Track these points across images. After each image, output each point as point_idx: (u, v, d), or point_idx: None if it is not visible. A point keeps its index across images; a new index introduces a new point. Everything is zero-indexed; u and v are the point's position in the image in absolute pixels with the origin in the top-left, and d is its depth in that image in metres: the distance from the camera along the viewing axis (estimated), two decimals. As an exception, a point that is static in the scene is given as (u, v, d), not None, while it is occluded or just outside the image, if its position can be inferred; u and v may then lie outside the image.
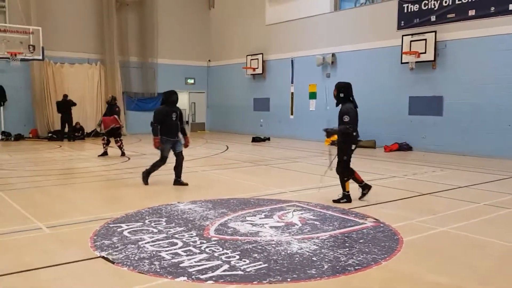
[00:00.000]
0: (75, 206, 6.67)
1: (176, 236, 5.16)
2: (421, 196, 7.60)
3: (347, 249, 4.77)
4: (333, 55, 17.29)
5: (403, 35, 14.78)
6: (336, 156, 6.92)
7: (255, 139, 17.89)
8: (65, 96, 18.26)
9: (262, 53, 20.36)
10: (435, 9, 14.05)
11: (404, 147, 14.86)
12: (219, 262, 4.31)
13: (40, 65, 18.80)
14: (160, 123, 8.10)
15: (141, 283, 3.83)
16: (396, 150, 14.68)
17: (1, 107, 18.27)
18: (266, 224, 5.72)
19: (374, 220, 5.93)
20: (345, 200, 6.91)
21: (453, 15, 13.65)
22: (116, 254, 4.52)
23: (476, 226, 5.77)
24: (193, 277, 3.95)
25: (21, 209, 6.36)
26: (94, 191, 8.00)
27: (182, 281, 3.88)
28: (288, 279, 3.92)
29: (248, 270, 4.12)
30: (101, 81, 20.75)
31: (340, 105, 6.87)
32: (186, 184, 8.26)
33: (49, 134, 18.66)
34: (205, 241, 4.96)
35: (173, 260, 4.34)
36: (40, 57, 15.98)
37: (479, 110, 13.22)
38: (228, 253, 4.56)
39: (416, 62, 14.45)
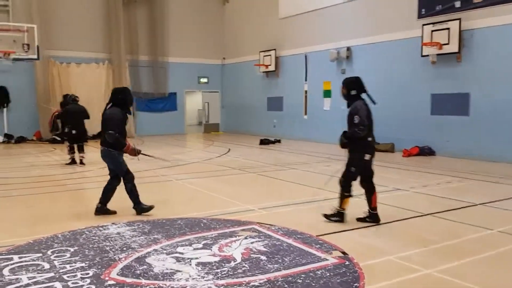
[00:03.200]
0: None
1: (65, 276, 3.95)
2: (420, 217, 6.08)
3: (276, 305, 3.41)
4: (348, 49, 15.71)
5: (423, 25, 13.07)
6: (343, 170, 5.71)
7: (263, 141, 16.55)
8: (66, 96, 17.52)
9: (275, 49, 18.97)
10: (460, -7, 12.29)
11: (426, 151, 13.14)
12: (80, 326, 3.07)
13: (44, 66, 18.17)
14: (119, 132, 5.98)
15: None
16: (416, 155, 13.00)
17: (4, 109, 17.75)
18: (196, 258, 4.43)
19: (341, 255, 4.52)
20: (337, 218, 5.70)
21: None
22: (-45, 308, 3.36)
23: (478, 267, 4.27)
24: None
25: None
26: (27, 206, 6.83)
27: None
28: None
29: None
30: (109, 82, 19.94)
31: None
32: (115, 212, 6.22)
33: (53, 137, 17.98)
34: (93, 286, 3.73)
35: (20, 322, 3.13)
36: (35, 56, 15.24)
37: (511, 108, 11.40)
38: (106, 310, 3.30)
39: (438, 54, 12.71)
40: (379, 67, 14.61)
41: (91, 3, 19.45)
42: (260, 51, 19.72)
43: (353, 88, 5.60)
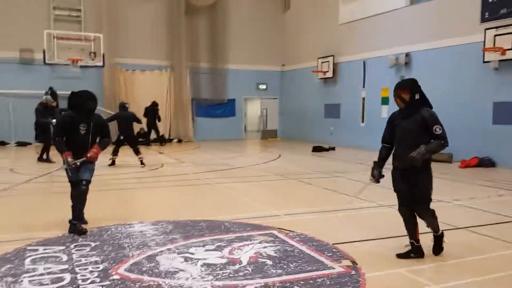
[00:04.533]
0: (20, 220, 6.07)
1: (77, 269, 4.22)
2: (450, 230, 5.75)
3: (263, 310, 3.42)
4: (407, 55, 15.19)
5: (486, 29, 12.36)
6: (419, 190, 4.61)
7: (316, 149, 16.38)
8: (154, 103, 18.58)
9: (333, 55, 18.78)
10: (526, -5, 11.50)
11: (486, 163, 12.36)
12: (72, 315, 3.28)
13: (112, 72, 19.27)
14: (63, 136, 5.51)
15: None
16: (474, 166, 12.28)
17: (75, 113, 18.97)
18: (204, 259, 4.53)
19: (349, 265, 4.42)
20: (442, 245, 4.80)
21: (548, 0, 11.03)
22: (-29, 291, 3.71)
23: (491, 286, 3.98)
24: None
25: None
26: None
27: None
28: None
29: (90, 333, 3.02)
30: (170, 88, 20.77)
31: (412, 113, 4.60)
32: (85, 232, 5.42)
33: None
34: (98, 280, 3.96)
35: (21, 306, 3.40)
36: (101, 64, 16.24)
37: None
38: (100, 302, 3.50)
39: (501, 60, 11.95)
40: (438, 74, 14.00)
41: (155, 13, 20.35)
42: (319, 58, 19.61)
43: (417, 92, 4.60)
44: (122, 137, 11.77)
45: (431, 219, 4.73)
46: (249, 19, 21.94)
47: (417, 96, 4.61)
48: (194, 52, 21.02)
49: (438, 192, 8.14)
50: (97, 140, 5.72)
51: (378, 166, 4.89)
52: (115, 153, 11.74)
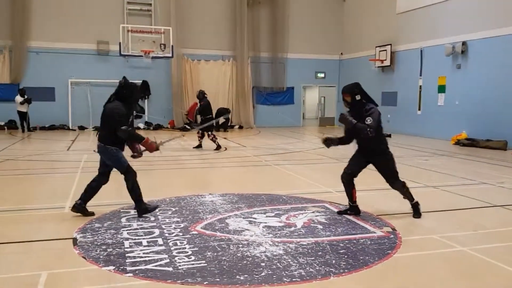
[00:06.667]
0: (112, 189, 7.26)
1: (163, 226, 5.26)
2: (488, 208, 6.31)
3: (312, 258, 4.26)
4: (464, 43, 15.24)
5: (546, 16, 12.31)
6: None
7: (372, 136, 16.82)
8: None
9: (390, 44, 19.02)
10: None
11: (542, 150, 12.41)
12: (164, 256, 4.28)
13: (179, 62, 20.63)
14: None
15: (66, 267, 4.03)
16: (530, 153, 12.36)
17: (146, 100, 20.58)
18: (264, 223, 5.43)
19: (389, 230, 5.15)
20: (419, 210, 5.74)
21: None
22: (88, 237, 4.82)
23: (514, 250, 4.59)
24: (121, 267, 3.99)
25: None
26: (149, 178, 8.49)
27: (106, 270, 3.95)
28: (205, 282, 3.69)
29: (180, 267, 4.00)
30: (233, 77, 21.85)
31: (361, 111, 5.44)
32: (92, 214, 5.64)
33: (184, 125, 20.42)
34: (181, 234, 4.97)
35: (126, 249, 4.45)
36: (170, 55, 17.51)
37: None
38: (185, 248, 4.49)
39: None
40: (497, 63, 14.01)
41: (220, 5, 21.48)
42: (376, 46, 19.88)
43: (357, 93, 5.44)
44: (215, 121, 12.73)
45: (403, 190, 5.72)
46: (308, 9, 22.55)
47: (357, 97, 5.44)
48: (256, 42, 21.96)
49: (484, 176, 8.68)
50: None
51: (335, 140, 5.95)
52: (215, 137, 12.88)
